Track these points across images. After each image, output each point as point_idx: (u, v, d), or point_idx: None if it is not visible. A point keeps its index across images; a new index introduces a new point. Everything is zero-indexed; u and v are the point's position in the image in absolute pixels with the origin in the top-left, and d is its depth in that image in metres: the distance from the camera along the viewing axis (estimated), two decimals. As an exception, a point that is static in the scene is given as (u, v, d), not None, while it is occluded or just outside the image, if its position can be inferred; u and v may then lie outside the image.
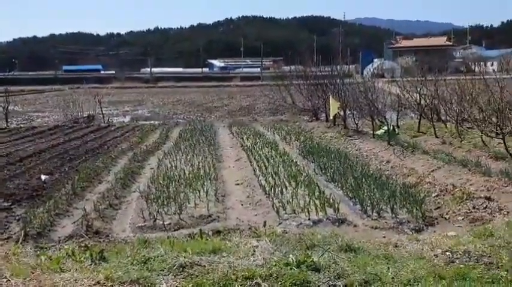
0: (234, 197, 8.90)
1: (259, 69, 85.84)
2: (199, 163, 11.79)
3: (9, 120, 25.23)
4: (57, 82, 70.15)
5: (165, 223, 7.36)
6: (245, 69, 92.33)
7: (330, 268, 4.60)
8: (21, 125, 25.93)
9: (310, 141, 14.36)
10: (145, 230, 7.17)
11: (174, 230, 7.08)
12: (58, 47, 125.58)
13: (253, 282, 4.18)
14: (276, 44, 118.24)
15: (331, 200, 7.72)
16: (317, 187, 8.55)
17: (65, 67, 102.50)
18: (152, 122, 25.37)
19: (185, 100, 45.07)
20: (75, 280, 4.48)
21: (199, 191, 8.89)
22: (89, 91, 41.80)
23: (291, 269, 4.48)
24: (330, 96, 17.52)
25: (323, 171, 10.23)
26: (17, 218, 8.05)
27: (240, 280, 4.23)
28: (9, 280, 4.46)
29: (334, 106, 16.69)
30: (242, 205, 8.35)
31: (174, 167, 11.23)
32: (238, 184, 9.83)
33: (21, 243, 6.55)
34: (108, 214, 8.05)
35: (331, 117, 18.22)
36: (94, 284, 4.35)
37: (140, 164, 12.34)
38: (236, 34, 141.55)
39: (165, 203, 8.20)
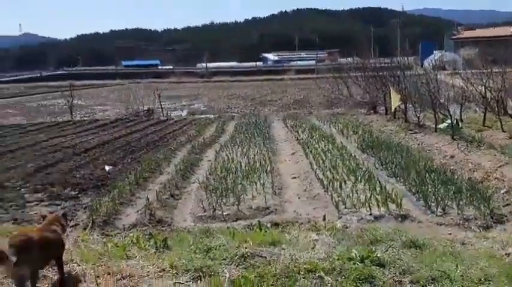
0: (290, 190, 8.85)
1: (313, 62, 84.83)
2: (254, 155, 11.84)
3: (73, 113, 26.45)
4: (117, 77, 72.77)
5: (224, 214, 7.45)
6: (299, 62, 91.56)
7: (394, 264, 4.47)
8: (85, 118, 27.17)
9: (369, 135, 14.01)
10: (205, 220, 7.29)
11: (233, 221, 7.15)
12: (117, 43, 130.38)
13: (316, 275, 4.13)
14: (331, 37, 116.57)
15: (393, 195, 7.49)
16: (378, 182, 8.32)
17: (124, 62, 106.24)
18: (208, 116, 25.74)
19: (239, 94, 45.39)
20: (141, 267, 4.62)
21: (256, 184, 8.93)
22: (148, 86, 43.19)
23: (354, 264, 4.38)
24: (391, 89, 17.01)
25: (383, 165, 9.94)
26: (83, 206, 8.44)
27: (302, 273, 4.19)
28: (80, 265, 4.67)
29: (395, 99, 16.18)
30: (299, 198, 8.30)
31: (230, 160, 11.34)
32: (294, 178, 9.77)
33: (88, 230, 6.86)
34: (170, 204, 8.26)
35: (392, 110, 17.71)
36: (159, 272, 4.46)
37: (198, 156, 12.56)
38: (290, 27, 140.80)
39: (224, 194, 8.30)
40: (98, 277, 4.30)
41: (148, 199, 8.21)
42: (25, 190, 9.63)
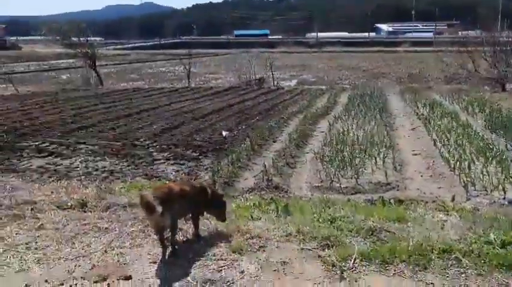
0: (411, 167, 8.45)
1: (431, 34, 79.37)
2: (371, 129, 11.48)
3: (190, 80, 27.77)
4: (229, 46, 74.77)
5: (342, 186, 7.35)
6: (415, 34, 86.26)
7: (542, 253, 4.05)
8: (199, 85, 28.40)
9: (497, 114, 12.81)
10: (322, 190, 7.26)
11: (352, 194, 7.04)
12: (230, 12, 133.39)
13: (452, 256, 3.89)
14: (451, 7, 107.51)
15: (531, 180, 6.81)
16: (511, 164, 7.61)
17: (235, 32, 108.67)
18: (319, 86, 25.44)
19: (350, 65, 44.21)
20: (267, 229, 4.72)
21: (375, 158, 8.65)
22: (259, 55, 43.79)
23: (494, 248, 4.05)
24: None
25: (518, 147, 9.06)
26: (205, 167, 8.88)
27: (436, 252, 3.97)
28: (211, 222, 4.91)
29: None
30: (421, 176, 7.90)
31: (346, 132, 11.12)
32: (415, 154, 9.30)
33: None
34: (285, 172, 8.36)
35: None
36: (285, 236, 4.52)
37: (311, 127, 12.50)
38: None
39: (341, 166, 8.17)
40: (229, 234, 4.49)
41: (265, 165, 8.38)
42: (152, 148, 10.37)
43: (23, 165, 8.95)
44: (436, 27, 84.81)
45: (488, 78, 21.01)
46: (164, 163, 9.27)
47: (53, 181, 7.75)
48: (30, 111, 15.82)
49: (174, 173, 8.51)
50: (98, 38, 33.38)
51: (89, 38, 27.26)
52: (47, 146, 10.52)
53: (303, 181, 7.86)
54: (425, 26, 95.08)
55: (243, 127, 12.84)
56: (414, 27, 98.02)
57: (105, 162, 9.23)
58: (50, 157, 9.61)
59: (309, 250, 4.24)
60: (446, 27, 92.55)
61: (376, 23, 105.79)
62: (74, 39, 26.03)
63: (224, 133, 11.77)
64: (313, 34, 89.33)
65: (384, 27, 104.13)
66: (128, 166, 8.99)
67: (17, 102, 18.31)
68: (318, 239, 4.37)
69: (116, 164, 9.07)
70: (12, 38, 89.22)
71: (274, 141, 10.98)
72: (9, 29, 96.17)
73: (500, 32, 19.96)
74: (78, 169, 8.76)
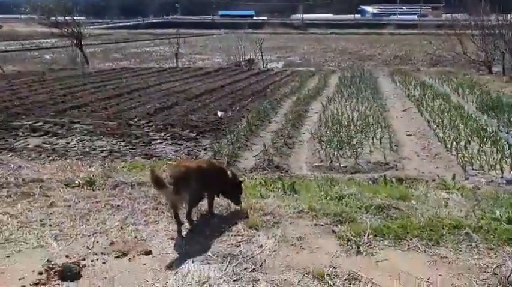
0: (407, 147, 8.61)
1: (415, 16, 79.70)
2: (364, 110, 11.61)
3: (178, 60, 27.44)
4: (214, 26, 73.97)
5: (342, 165, 7.48)
6: (400, 16, 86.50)
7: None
8: (186, 66, 28.09)
9: (487, 96, 13.06)
10: (323, 170, 7.37)
11: (351, 173, 7.15)
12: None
13: (463, 232, 4.03)
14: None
15: (526, 159, 7.03)
16: (507, 145, 7.82)
17: (220, 12, 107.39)
18: (309, 68, 25.46)
19: (336, 48, 44.19)
20: (278, 206, 4.81)
21: (371, 139, 8.79)
22: (244, 36, 43.44)
23: (501, 224, 4.22)
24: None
25: (510, 129, 9.28)
26: (204, 147, 8.91)
27: (447, 228, 4.12)
28: (222, 199, 4.97)
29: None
30: (418, 155, 8.07)
31: (340, 113, 11.22)
32: (410, 135, 9.47)
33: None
34: (284, 152, 8.44)
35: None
36: (298, 212, 4.62)
37: (304, 108, 12.58)
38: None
39: (339, 146, 8.29)
40: (243, 211, 4.56)
41: (265, 145, 8.45)
42: (148, 128, 10.34)
43: (19, 144, 8.85)
44: (422, 9, 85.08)
45: (476, 61, 21.29)
46: (162, 143, 9.26)
47: (52, 159, 7.72)
48: (19, 90, 15.53)
49: (173, 152, 8.53)
50: (80, 18, 32.55)
51: (74, 18, 26.61)
52: (41, 125, 10.39)
53: (302, 161, 7.96)
54: (410, 8, 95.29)
55: (237, 108, 12.84)
56: (399, 9, 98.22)
57: (102, 141, 9.20)
58: (45, 137, 9.52)
59: (322, 225, 4.36)
60: (430, 9, 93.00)
61: (361, 5, 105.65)
62: (60, 18, 25.41)
63: (219, 114, 11.77)
64: (298, 15, 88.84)
65: (369, 9, 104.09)
66: (126, 145, 8.96)
67: (3, 81, 17.93)
68: (330, 216, 4.49)
69: (114, 144, 9.04)
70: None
71: (269, 122, 11.04)
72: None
73: (489, 15, 20.12)
74: (75, 148, 8.70)
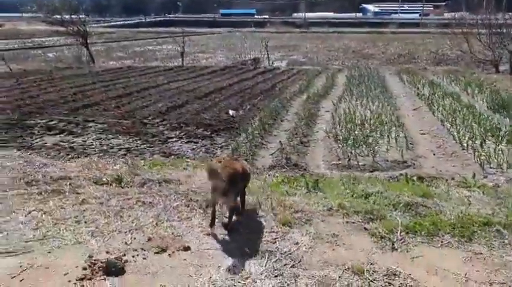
0: (422, 146, 8.67)
1: (417, 15, 79.68)
2: (376, 109, 11.68)
3: (184, 59, 27.44)
4: (216, 25, 73.95)
5: (360, 164, 7.54)
6: (402, 15, 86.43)
7: None
8: (189, 65, 28.09)
9: (496, 95, 13.11)
10: (341, 168, 7.43)
11: (370, 172, 7.21)
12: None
13: (494, 229, 4.11)
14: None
15: (543, 159, 7.09)
16: (522, 143, 7.90)
17: (222, 11, 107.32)
18: (312, 67, 25.50)
19: (339, 46, 44.16)
20: (307, 203, 4.89)
21: (388, 137, 8.86)
22: (253, 35, 43.43)
23: (529, 221, 4.29)
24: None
25: (524, 128, 9.36)
26: (220, 145, 8.97)
27: (477, 225, 4.19)
28: (253, 199, 5.03)
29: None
30: (434, 154, 8.12)
31: (352, 112, 11.28)
32: (423, 134, 9.52)
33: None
34: (300, 150, 8.49)
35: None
36: (327, 210, 4.70)
37: (315, 106, 12.64)
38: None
39: (355, 144, 8.36)
40: (273, 208, 4.63)
41: (281, 143, 8.52)
42: (163, 127, 10.39)
43: (37, 142, 8.90)
44: (424, 8, 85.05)
45: (482, 60, 21.34)
46: (177, 141, 9.31)
47: (71, 157, 7.78)
48: (29, 89, 15.57)
49: (190, 151, 8.59)
50: (86, 16, 32.48)
51: (79, 16, 26.62)
52: (55, 124, 10.44)
53: (319, 159, 8.01)
54: (412, 6, 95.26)
55: (248, 106, 12.89)
56: (401, 8, 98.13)
57: (119, 140, 9.25)
58: (61, 135, 9.57)
59: (353, 223, 4.43)
60: (432, 8, 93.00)
61: (362, 3, 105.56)
62: (66, 16, 25.45)
63: (231, 112, 11.83)
64: (300, 14, 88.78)
65: (370, 7, 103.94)
66: (143, 144, 9.02)
67: (12, 80, 17.98)
68: (361, 213, 4.56)
69: (130, 142, 9.10)
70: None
71: (281, 121, 11.10)
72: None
73: (495, 14, 20.17)
74: (93, 146, 8.77)
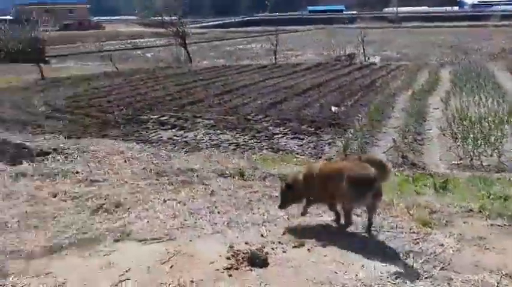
0: (551, 147, 7.89)
1: (523, 6, 73.28)
2: (491, 106, 10.86)
3: (276, 57, 27.62)
4: (303, 22, 73.73)
5: (484, 164, 7.02)
6: (504, 7, 79.98)
7: None
8: (286, 62, 28.17)
9: None
10: (462, 168, 6.96)
11: (496, 172, 6.68)
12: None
13: None
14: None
15: None
16: None
17: (309, 8, 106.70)
18: (410, 62, 24.46)
19: (435, 41, 41.96)
20: (441, 204, 4.62)
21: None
22: (336, 31, 42.74)
23: None
24: None
25: None
26: (327, 142, 8.84)
27: None
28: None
29: None
30: None
31: (466, 109, 10.59)
32: (551, 133, 8.67)
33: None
34: (415, 148, 8.10)
35: None
36: (467, 211, 4.40)
37: (422, 103, 12.05)
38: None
39: (476, 143, 7.80)
40: (408, 208, 4.43)
41: (395, 141, 8.19)
42: (266, 123, 10.48)
43: (153, 136, 9.39)
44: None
45: None
46: (283, 137, 9.33)
47: (186, 151, 8.09)
48: (137, 87, 16.58)
49: (297, 147, 8.56)
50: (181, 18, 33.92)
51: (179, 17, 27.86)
52: (167, 119, 10.97)
53: (436, 158, 7.59)
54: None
55: (350, 103, 12.62)
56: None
57: (227, 135, 9.46)
58: (173, 130, 10.02)
59: (499, 226, 4.10)
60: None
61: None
62: (166, 18, 26.79)
63: (334, 109, 11.64)
64: (391, 9, 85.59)
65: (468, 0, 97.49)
66: (250, 139, 9.15)
67: (120, 78, 19.25)
68: (506, 216, 4.21)
69: (238, 138, 9.26)
70: (95, 18, 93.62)
71: (388, 118, 10.71)
72: (92, 9, 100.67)
73: None
74: (204, 141, 9.05)
